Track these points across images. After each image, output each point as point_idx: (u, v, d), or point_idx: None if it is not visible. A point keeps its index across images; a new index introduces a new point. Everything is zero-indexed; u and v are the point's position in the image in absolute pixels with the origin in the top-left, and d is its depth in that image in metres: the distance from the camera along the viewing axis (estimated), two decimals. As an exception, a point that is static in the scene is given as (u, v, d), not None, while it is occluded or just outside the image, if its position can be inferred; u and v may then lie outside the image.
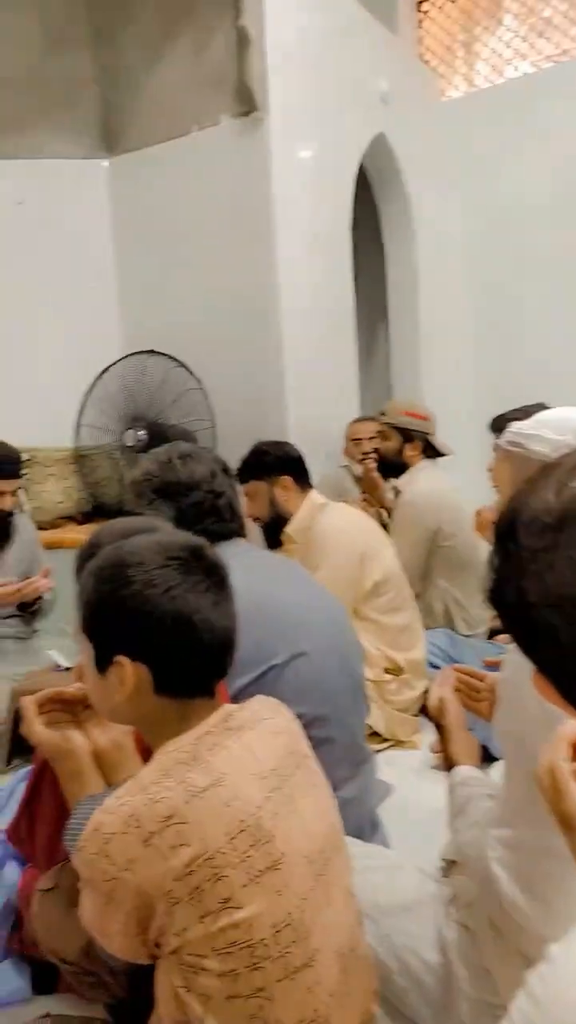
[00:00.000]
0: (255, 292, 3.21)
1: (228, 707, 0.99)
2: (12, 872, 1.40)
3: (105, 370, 3.39)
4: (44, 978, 1.30)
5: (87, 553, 1.14)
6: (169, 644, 0.92)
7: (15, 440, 2.60)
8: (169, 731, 0.94)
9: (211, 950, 0.81)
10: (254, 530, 2.36)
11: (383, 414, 2.98)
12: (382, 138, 3.84)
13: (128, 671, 0.93)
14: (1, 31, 3.28)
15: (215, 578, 0.98)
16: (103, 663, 0.95)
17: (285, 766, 0.96)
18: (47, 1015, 1.14)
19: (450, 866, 1.32)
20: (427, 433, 2.89)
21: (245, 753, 0.92)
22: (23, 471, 3.22)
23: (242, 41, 3.05)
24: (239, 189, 3.19)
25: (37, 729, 1.10)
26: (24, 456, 3.23)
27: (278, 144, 3.14)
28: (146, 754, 1.14)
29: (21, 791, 1.67)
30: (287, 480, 2.37)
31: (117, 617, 0.94)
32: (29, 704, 1.11)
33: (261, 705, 1.03)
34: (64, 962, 1.08)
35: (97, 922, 0.88)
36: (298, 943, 0.85)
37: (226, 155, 3.20)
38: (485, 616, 2.76)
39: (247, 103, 3.09)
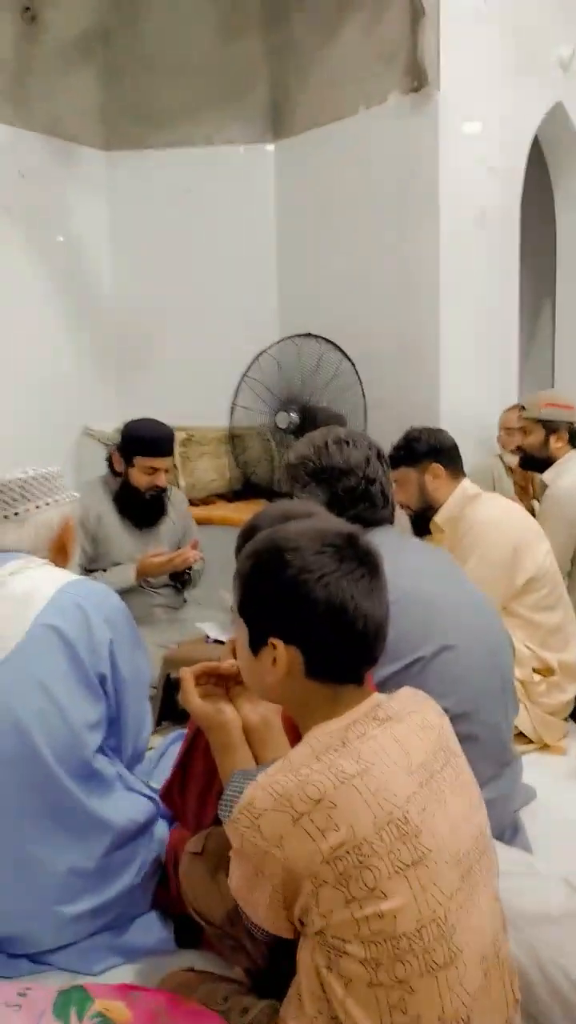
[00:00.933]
0: (415, 274, 3.15)
1: (377, 696, 0.99)
2: (162, 829, 1.49)
3: (261, 352, 3.47)
4: (188, 933, 1.37)
5: (247, 534, 1.17)
6: (322, 630, 0.93)
7: (175, 419, 2.72)
8: (318, 715, 0.95)
9: (355, 936, 0.83)
10: (402, 518, 2.33)
11: (523, 409, 2.85)
12: (560, 108, 3.61)
13: (281, 654, 0.95)
14: (178, 22, 3.40)
15: (369, 566, 0.98)
16: (257, 643, 0.98)
17: (433, 762, 0.95)
18: (191, 969, 1.20)
19: (600, 883, 1.25)
20: (572, 422, 2.73)
21: (393, 745, 0.92)
22: (180, 448, 3.39)
23: (416, 14, 2.97)
24: (405, 167, 3.13)
25: (193, 699, 1.15)
26: (182, 435, 3.39)
27: (447, 119, 3.05)
28: (293, 732, 1.17)
29: (172, 752, 1.77)
30: (438, 468, 2.31)
31: (272, 601, 0.96)
32: (187, 675, 1.16)
33: (410, 697, 1.03)
34: (208, 923, 1.14)
35: (244, 892, 0.91)
36: (441, 941, 0.85)
37: (393, 133, 3.14)
38: None
39: (418, 78, 3.02)
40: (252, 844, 0.86)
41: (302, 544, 0.96)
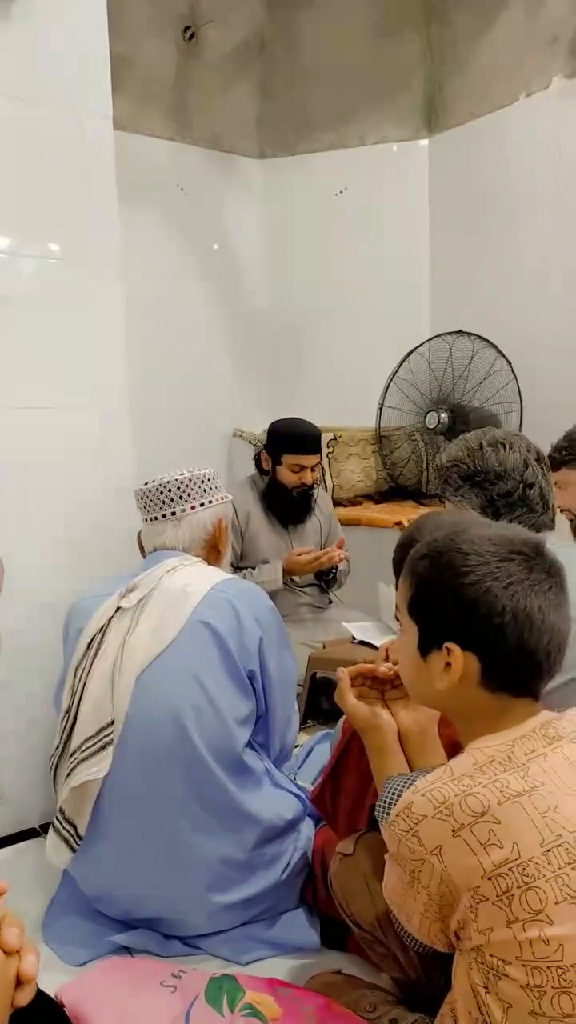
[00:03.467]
0: (577, 267, 2.98)
1: (547, 713, 0.94)
2: (308, 828, 1.49)
3: (411, 351, 3.42)
4: (334, 933, 1.36)
5: (406, 544, 1.15)
6: (505, 640, 0.89)
7: (322, 420, 2.73)
8: (483, 726, 0.92)
9: (516, 958, 0.79)
10: (563, 524, 2.21)
11: None
12: None
13: (457, 659, 0.91)
14: (334, 27, 3.41)
15: (556, 578, 0.93)
16: (427, 647, 0.95)
17: (606, 786, 0.88)
18: (339, 972, 1.20)
19: None
20: None
21: (565, 765, 0.87)
22: (328, 449, 3.41)
23: (582, -10, 2.82)
24: (568, 154, 2.97)
25: (349, 700, 1.15)
26: (330, 436, 3.41)
27: (615, 101, 2.87)
28: (448, 745, 1.14)
29: (318, 751, 1.77)
30: (603, 470, 2.17)
31: (453, 604, 0.92)
32: (344, 676, 1.16)
33: (581, 717, 0.96)
34: (357, 927, 1.13)
35: (398, 897, 0.89)
36: (614, 979, 0.79)
37: (554, 120, 2.99)
38: None
39: (583, 59, 2.86)
40: (409, 849, 0.84)
41: (487, 549, 0.92)
